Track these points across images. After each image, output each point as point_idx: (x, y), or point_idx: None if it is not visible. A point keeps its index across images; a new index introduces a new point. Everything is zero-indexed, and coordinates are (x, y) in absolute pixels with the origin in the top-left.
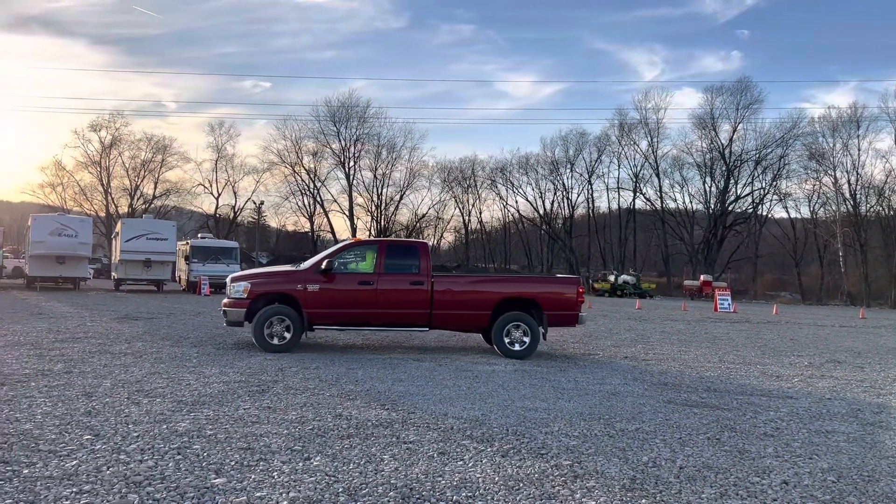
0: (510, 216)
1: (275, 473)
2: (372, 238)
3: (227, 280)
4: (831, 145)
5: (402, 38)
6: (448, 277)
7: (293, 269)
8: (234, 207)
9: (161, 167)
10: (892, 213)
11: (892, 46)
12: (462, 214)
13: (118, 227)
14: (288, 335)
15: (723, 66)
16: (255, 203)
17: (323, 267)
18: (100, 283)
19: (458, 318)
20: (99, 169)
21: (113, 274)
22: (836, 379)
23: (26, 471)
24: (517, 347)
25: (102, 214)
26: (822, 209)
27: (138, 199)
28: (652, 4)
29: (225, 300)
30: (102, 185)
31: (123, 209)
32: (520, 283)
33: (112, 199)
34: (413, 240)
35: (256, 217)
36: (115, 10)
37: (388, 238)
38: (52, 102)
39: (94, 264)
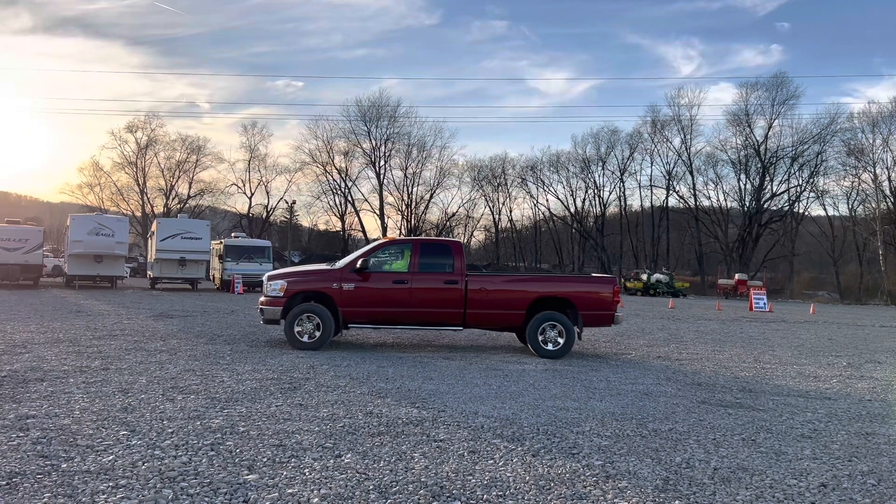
0: (541, 215)
1: (306, 470)
2: (405, 237)
3: (264, 279)
4: (871, 141)
5: (433, 35)
6: (482, 277)
7: (328, 267)
8: (266, 207)
9: (195, 167)
10: None
11: None
12: (492, 213)
13: (154, 227)
14: (318, 333)
15: (762, 59)
16: (287, 202)
17: (358, 266)
18: (136, 281)
19: (493, 317)
20: (135, 169)
21: (148, 272)
22: (875, 380)
23: (64, 465)
24: (551, 347)
25: (138, 214)
26: (860, 206)
27: (173, 199)
28: None
29: (262, 298)
30: (138, 185)
31: (159, 209)
32: (554, 282)
33: (148, 198)
34: (447, 239)
35: (288, 216)
36: (149, 10)
37: (422, 237)
38: (89, 104)
39: (130, 263)
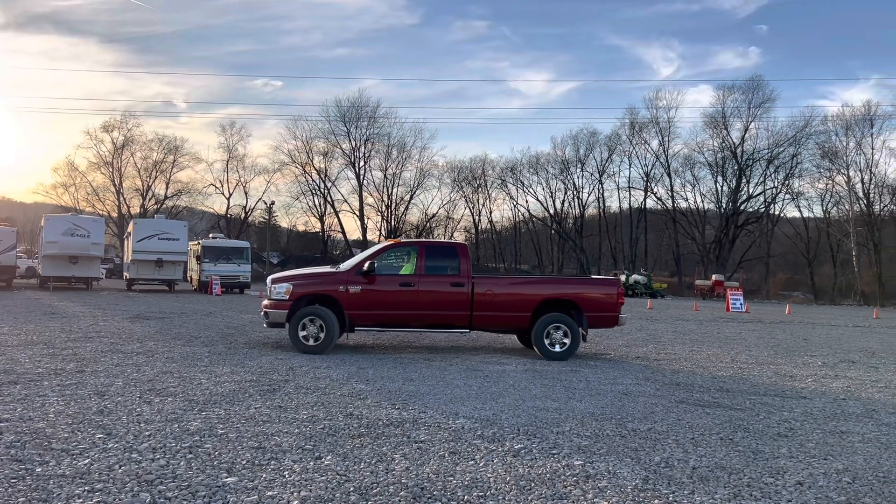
0: (520, 216)
1: (286, 472)
2: (411, 240)
3: (267, 281)
4: (845, 144)
5: (414, 35)
6: (488, 279)
7: (333, 270)
8: (244, 207)
9: (172, 167)
10: None
11: None
12: (472, 214)
13: (130, 228)
14: (322, 335)
15: (741, 62)
16: (265, 203)
17: (365, 268)
18: (112, 282)
19: (499, 319)
20: (111, 169)
21: (125, 274)
22: (850, 379)
23: (39, 469)
24: (558, 349)
25: (115, 215)
26: (835, 208)
27: (150, 200)
28: None
29: (265, 302)
30: (114, 185)
31: (135, 209)
32: (560, 284)
33: (124, 199)
34: (452, 241)
35: (267, 217)
36: (124, 7)
37: (428, 239)
38: (63, 103)
39: (106, 264)
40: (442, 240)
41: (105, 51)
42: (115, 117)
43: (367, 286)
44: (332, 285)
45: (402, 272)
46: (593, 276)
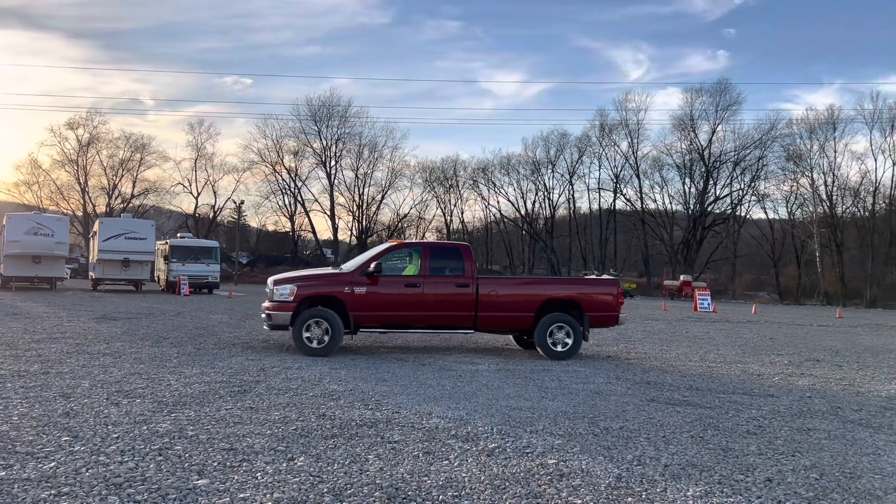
0: (492, 216)
1: (258, 474)
2: (414, 240)
3: (269, 282)
4: (809, 147)
5: (386, 34)
6: (492, 280)
7: (336, 271)
8: (213, 207)
9: (139, 166)
10: (866, 214)
11: (877, 48)
12: (444, 214)
13: (96, 227)
14: (327, 338)
15: (709, 65)
16: (235, 202)
17: (371, 269)
18: (77, 283)
19: (503, 319)
20: (76, 167)
21: (90, 274)
22: (815, 377)
23: (3, 473)
24: (561, 348)
25: (80, 214)
26: (799, 210)
27: (116, 199)
28: (640, 1)
29: (266, 303)
30: (79, 183)
31: (101, 208)
32: (563, 284)
33: (89, 198)
34: (456, 242)
35: (236, 217)
36: (90, 2)
37: (431, 240)
38: (26, 99)
39: (70, 264)
40: (445, 240)
41: (70, 46)
42: (80, 114)
43: (372, 287)
44: (338, 286)
45: (405, 273)
46: (594, 277)
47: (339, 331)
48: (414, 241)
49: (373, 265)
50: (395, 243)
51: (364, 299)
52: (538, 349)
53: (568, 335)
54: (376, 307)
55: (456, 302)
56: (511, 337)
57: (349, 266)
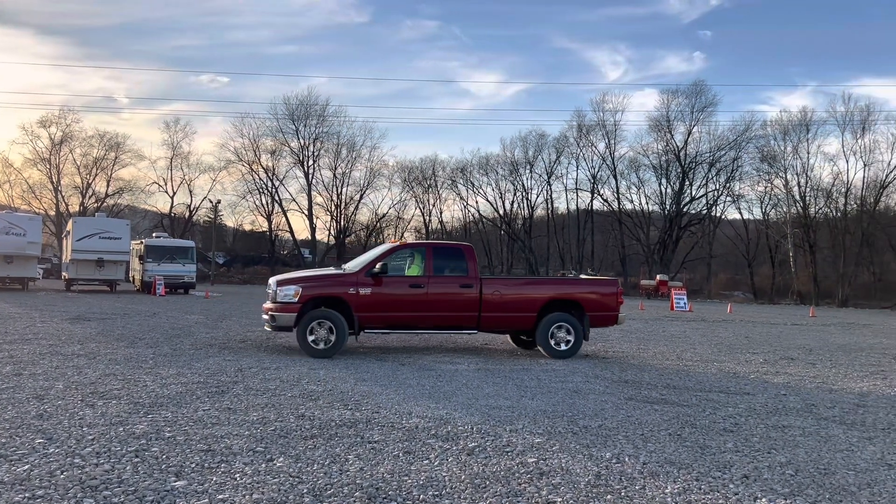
0: (470, 216)
1: (237, 475)
2: (418, 241)
3: (271, 282)
4: (783, 148)
5: (364, 33)
6: (496, 280)
7: (340, 271)
8: (189, 206)
9: (114, 165)
10: (838, 214)
11: (849, 51)
12: (423, 214)
13: (69, 226)
14: (332, 339)
15: (686, 67)
16: (211, 202)
17: (376, 270)
18: (49, 283)
19: (506, 320)
20: (48, 166)
21: (64, 274)
22: (790, 375)
23: None
24: (563, 347)
25: (52, 213)
26: (773, 210)
27: (90, 198)
28: (617, 2)
29: (268, 304)
30: (52, 182)
31: (74, 208)
32: (564, 284)
33: (62, 197)
34: (459, 242)
35: (213, 216)
36: None
37: (435, 241)
38: None
39: (43, 264)
40: (448, 241)
41: (42, 43)
42: (52, 112)
43: (376, 288)
44: (343, 287)
45: (409, 273)
46: (595, 277)
47: (343, 332)
48: (418, 241)
49: (378, 265)
50: (398, 243)
51: (369, 300)
52: (539, 348)
53: (569, 334)
54: (381, 308)
55: (460, 302)
56: (508, 336)
57: (352, 266)
